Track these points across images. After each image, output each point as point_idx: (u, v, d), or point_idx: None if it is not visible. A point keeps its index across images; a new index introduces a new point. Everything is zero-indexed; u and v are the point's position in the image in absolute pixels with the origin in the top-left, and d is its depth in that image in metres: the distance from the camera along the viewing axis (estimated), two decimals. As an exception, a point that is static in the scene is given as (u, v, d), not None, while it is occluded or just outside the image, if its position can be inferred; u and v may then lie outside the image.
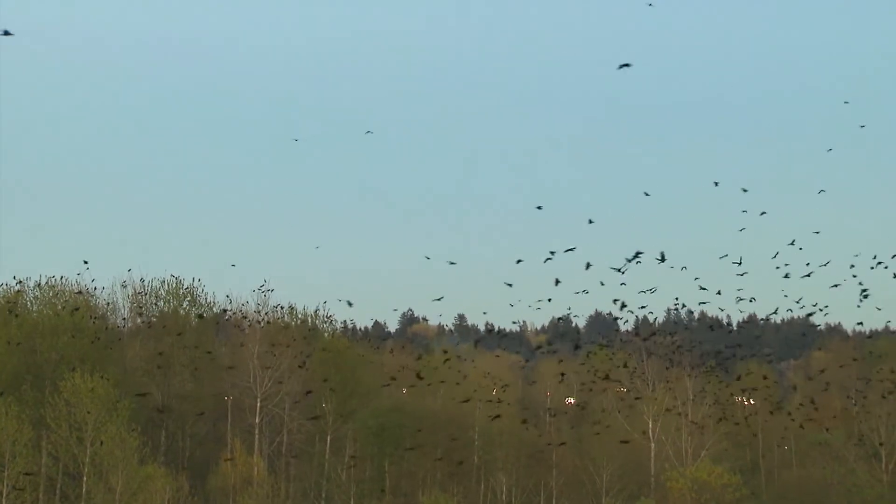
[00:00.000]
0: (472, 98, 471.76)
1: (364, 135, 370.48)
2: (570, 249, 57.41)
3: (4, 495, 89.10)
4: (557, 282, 57.23)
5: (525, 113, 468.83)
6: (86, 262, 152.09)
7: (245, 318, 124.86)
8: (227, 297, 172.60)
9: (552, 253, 58.50)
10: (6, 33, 36.82)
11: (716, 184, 78.41)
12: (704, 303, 69.76)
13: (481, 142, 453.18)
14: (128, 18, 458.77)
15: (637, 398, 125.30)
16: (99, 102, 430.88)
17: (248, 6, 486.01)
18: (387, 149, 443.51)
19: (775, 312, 76.44)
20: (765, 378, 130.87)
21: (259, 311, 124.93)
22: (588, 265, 56.80)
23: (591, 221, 77.74)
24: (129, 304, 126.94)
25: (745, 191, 72.54)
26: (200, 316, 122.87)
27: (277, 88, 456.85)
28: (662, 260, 54.36)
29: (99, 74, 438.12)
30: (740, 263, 63.66)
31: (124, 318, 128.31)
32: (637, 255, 55.23)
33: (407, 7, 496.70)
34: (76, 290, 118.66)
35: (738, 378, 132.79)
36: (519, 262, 63.06)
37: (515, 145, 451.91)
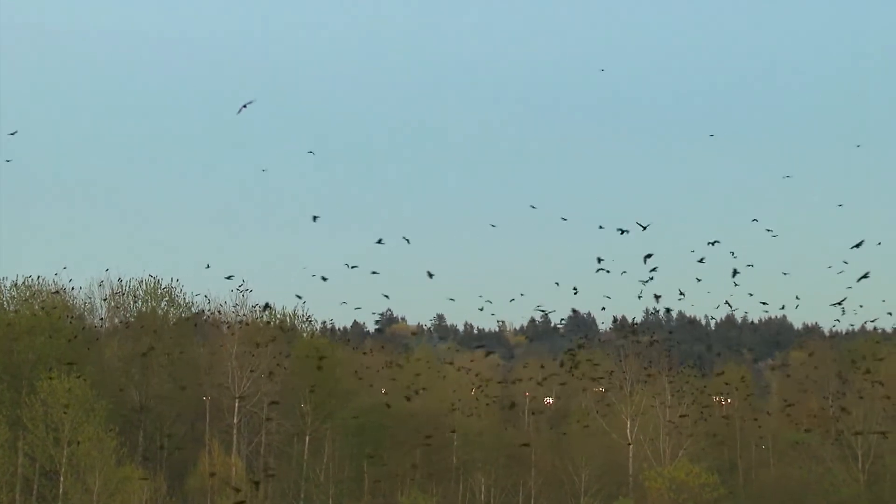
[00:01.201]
0: (469, 101, 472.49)
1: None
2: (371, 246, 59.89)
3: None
4: (373, 272, 60.21)
5: (520, 115, 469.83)
6: (65, 268, 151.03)
7: (224, 321, 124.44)
8: (206, 297, 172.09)
9: (379, 241, 60.18)
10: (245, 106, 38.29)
11: (532, 207, 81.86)
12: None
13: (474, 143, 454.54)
14: (109, 17, 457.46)
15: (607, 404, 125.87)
16: (76, 102, 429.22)
17: (235, 5, 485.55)
18: (381, 149, 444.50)
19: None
20: (742, 382, 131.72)
21: (237, 312, 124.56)
22: (373, 272, 60.32)
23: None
24: (107, 304, 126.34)
25: (564, 220, 74.76)
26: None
27: (255, 87, 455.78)
28: (644, 228, 55.20)
29: (78, 73, 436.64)
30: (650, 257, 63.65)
31: (101, 318, 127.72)
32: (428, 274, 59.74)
33: (402, 7, 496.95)
34: (53, 290, 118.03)
35: (721, 372, 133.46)
36: (379, 240, 64.30)
37: (511, 147, 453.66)
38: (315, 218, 66.35)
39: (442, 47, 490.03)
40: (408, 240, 64.33)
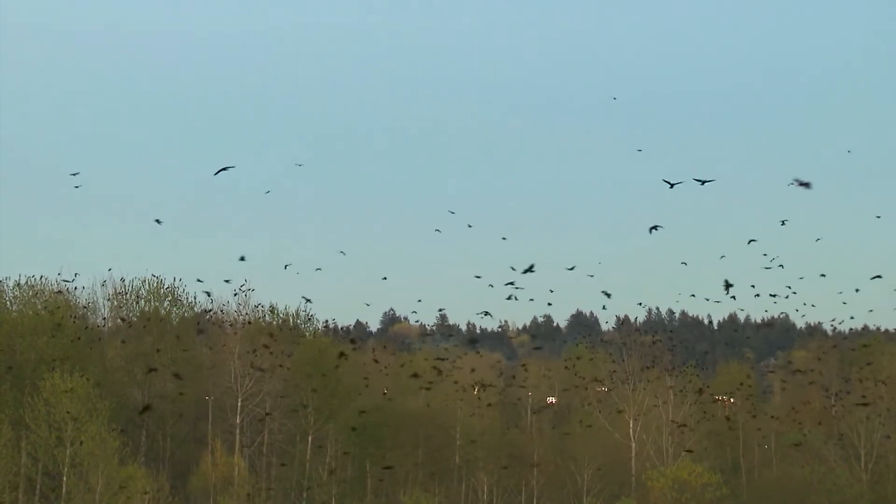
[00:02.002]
0: (467, 102, 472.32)
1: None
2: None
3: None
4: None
5: (517, 116, 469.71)
6: (76, 275, 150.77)
7: (227, 321, 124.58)
8: (209, 296, 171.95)
9: (241, 259, 61.57)
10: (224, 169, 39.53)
11: (452, 212, 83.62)
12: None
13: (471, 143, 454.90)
14: (110, 17, 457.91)
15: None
16: (78, 101, 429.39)
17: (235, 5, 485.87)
18: (377, 150, 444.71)
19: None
20: (745, 381, 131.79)
21: (240, 312, 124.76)
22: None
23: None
24: (110, 304, 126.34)
25: (470, 226, 77.16)
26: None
27: (255, 87, 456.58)
28: (703, 183, 54.63)
29: (79, 73, 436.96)
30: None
31: (104, 318, 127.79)
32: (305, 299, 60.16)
33: (397, 6, 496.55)
34: (56, 290, 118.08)
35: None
36: (242, 257, 65.79)
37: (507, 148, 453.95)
38: (158, 221, 67.08)
39: (436, 47, 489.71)
40: (343, 252, 66.32)
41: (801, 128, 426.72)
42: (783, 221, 73.76)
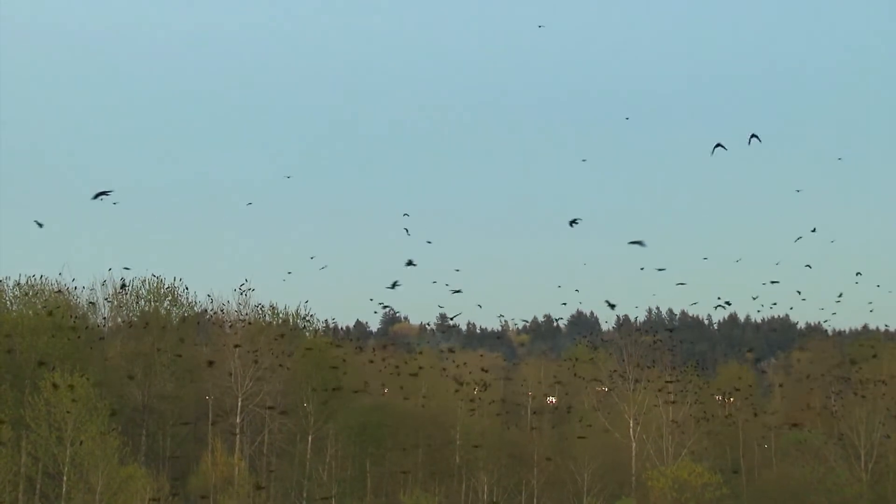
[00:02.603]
0: (468, 102, 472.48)
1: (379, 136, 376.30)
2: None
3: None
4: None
5: (517, 114, 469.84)
6: (88, 285, 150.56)
7: (227, 321, 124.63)
8: (209, 296, 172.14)
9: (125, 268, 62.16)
10: (104, 194, 40.50)
11: (406, 214, 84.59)
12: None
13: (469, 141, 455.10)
14: (111, 17, 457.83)
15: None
16: (78, 99, 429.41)
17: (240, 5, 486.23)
18: (376, 149, 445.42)
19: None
20: (745, 381, 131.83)
21: (240, 312, 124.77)
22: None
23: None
24: (110, 304, 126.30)
25: (407, 214, 77.88)
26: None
27: (256, 86, 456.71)
28: (751, 139, 53.64)
29: (79, 72, 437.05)
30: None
31: (105, 318, 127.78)
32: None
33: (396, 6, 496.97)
34: (56, 290, 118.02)
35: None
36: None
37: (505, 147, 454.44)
38: (40, 224, 70.20)
39: (435, 47, 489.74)
40: (313, 257, 66.79)
41: (801, 128, 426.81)
42: (813, 229, 73.37)
